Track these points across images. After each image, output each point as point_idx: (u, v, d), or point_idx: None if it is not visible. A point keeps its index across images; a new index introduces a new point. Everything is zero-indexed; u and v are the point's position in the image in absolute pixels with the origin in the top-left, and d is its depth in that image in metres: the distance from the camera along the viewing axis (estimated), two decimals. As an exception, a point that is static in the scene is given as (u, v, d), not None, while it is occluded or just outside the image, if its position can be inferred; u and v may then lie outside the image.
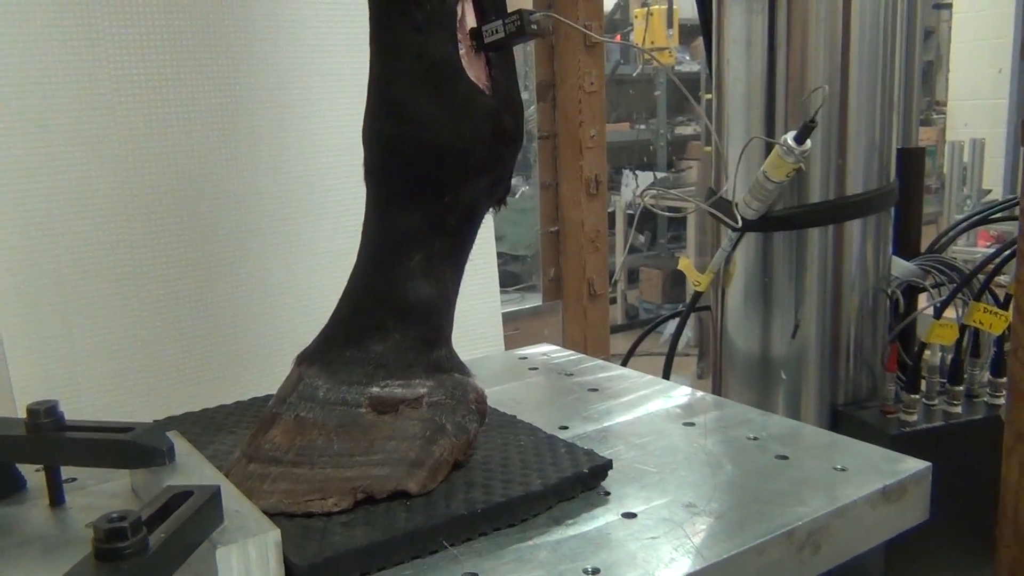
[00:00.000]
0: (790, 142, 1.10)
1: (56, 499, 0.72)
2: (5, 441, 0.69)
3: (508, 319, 2.02)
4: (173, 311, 1.02)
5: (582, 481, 0.71)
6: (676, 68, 5.30)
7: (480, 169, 0.72)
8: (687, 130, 5.54)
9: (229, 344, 1.04)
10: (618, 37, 5.26)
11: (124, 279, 0.98)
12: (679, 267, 1.36)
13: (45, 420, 0.69)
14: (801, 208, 1.16)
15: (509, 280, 2.57)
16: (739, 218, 1.21)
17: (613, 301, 4.95)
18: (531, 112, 1.43)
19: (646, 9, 5.17)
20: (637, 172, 5.06)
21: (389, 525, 0.62)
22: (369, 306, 0.73)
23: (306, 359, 0.72)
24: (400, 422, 0.69)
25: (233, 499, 0.62)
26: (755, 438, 0.84)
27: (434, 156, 0.70)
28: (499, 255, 3.29)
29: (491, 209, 0.80)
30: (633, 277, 5.19)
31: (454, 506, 0.65)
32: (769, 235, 1.20)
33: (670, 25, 5.13)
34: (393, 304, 0.73)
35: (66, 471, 0.75)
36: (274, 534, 0.57)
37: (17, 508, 0.72)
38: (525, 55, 1.48)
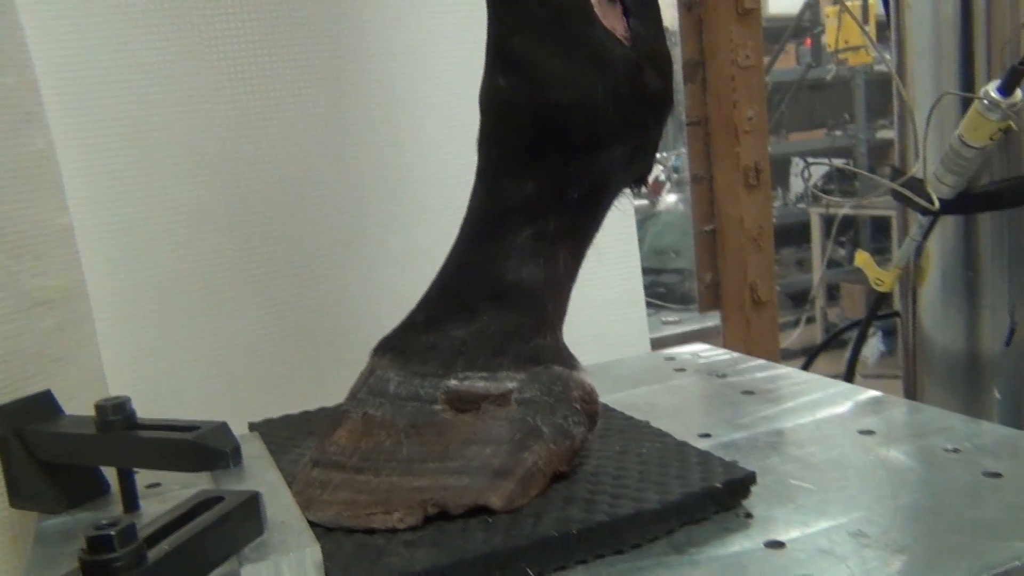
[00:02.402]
0: (993, 94, 0.90)
1: (129, 505, 0.66)
2: (74, 440, 0.65)
3: (685, 338, 1.86)
4: (276, 323, 0.95)
5: (714, 498, 0.57)
6: (874, 69, 4.91)
7: (615, 134, 0.61)
8: (889, 134, 5.10)
9: (338, 360, 0.95)
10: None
11: (224, 289, 0.93)
12: (856, 263, 1.16)
13: (113, 418, 0.63)
14: (1014, 181, 0.95)
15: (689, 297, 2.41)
16: (934, 198, 1.01)
17: (811, 320, 4.63)
18: (678, 95, 1.28)
19: (838, 7, 4.83)
20: (809, 159, 4.63)
21: (460, 546, 0.51)
22: (460, 286, 0.63)
23: (381, 347, 0.62)
24: (483, 422, 0.58)
25: (283, 509, 0.53)
26: (955, 450, 0.65)
27: (559, 117, 0.59)
28: (678, 272, 3.11)
29: (629, 190, 0.67)
30: (833, 294, 4.82)
31: (544, 525, 0.52)
32: (972, 218, 1.00)
33: (865, 21, 4.77)
34: (488, 284, 0.62)
35: (150, 475, 0.70)
36: (313, 551, 0.48)
37: (88, 515, 0.66)
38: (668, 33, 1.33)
